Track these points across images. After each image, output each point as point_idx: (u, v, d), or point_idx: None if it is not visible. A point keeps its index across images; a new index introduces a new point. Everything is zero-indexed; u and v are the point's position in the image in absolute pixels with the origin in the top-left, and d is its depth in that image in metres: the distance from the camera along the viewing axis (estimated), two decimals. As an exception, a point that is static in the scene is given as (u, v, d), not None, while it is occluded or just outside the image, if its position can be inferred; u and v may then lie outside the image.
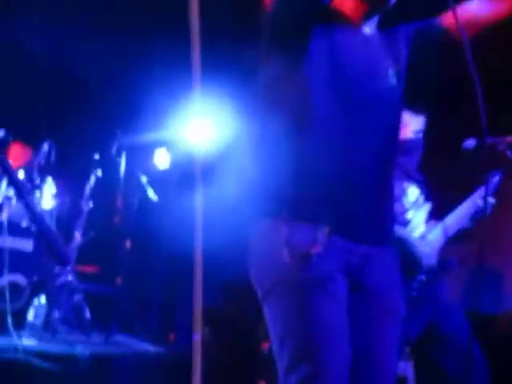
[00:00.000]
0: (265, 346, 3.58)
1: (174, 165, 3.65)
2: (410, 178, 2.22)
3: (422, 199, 2.21)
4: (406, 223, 2.12)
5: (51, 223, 3.19)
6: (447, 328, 2.08)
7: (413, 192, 2.20)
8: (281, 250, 1.06)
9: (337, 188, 1.12)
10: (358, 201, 1.13)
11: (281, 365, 1.11)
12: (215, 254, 2.73)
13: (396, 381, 1.22)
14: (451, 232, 2.17)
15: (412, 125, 2.22)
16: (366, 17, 1.22)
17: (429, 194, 2.27)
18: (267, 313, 1.13)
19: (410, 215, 2.15)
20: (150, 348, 2.85)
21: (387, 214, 1.22)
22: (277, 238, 1.08)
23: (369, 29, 1.24)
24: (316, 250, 1.04)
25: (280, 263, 1.07)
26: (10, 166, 2.90)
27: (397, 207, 2.09)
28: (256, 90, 1.23)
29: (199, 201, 1.26)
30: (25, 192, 2.90)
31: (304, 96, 1.13)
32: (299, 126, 1.13)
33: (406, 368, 2.26)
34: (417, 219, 2.15)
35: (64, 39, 3.32)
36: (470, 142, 2.16)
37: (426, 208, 2.20)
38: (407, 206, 2.17)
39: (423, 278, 2.02)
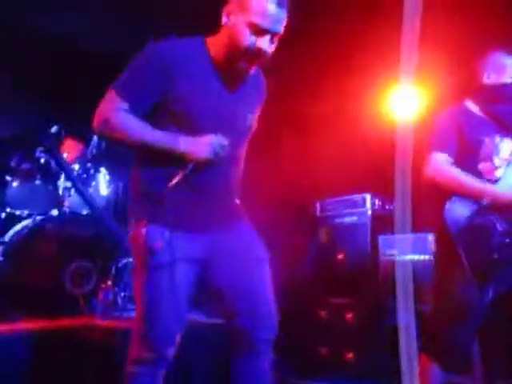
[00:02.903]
0: (322, 313, 3.65)
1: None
2: (506, 130, 1.96)
3: None
4: (494, 181, 1.91)
5: (109, 209, 3.35)
6: None
7: (507, 146, 1.94)
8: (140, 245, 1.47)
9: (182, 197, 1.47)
10: (202, 200, 1.50)
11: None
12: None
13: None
14: None
15: (510, 68, 1.96)
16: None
17: None
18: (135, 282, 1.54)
19: (499, 173, 1.91)
20: (216, 320, 2.94)
21: (232, 205, 1.59)
22: (139, 236, 1.47)
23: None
24: (158, 246, 1.43)
25: (141, 254, 1.48)
26: (64, 162, 3.05)
27: (486, 166, 1.93)
28: None
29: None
30: (80, 185, 3.04)
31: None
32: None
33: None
34: (508, 175, 1.91)
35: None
36: None
37: None
38: (498, 163, 1.92)
39: (507, 240, 1.82)
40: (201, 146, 1.41)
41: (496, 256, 1.80)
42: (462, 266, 1.80)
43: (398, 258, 3.33)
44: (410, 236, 3.20)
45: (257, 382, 1.50)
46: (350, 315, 3.51)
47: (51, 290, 2.75)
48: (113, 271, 3.05)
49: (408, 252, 3.26)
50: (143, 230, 1.45)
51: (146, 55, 1.47)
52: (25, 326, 2.33)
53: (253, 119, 1.59)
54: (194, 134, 1.43)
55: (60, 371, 2.14)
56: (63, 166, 3.02)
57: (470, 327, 1.89)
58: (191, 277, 1.49)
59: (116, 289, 3.03)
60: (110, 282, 2.87)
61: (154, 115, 1.47)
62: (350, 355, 3.43)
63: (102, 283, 2.86)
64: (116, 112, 1.44)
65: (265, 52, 1.42)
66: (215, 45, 1.48)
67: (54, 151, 3.00)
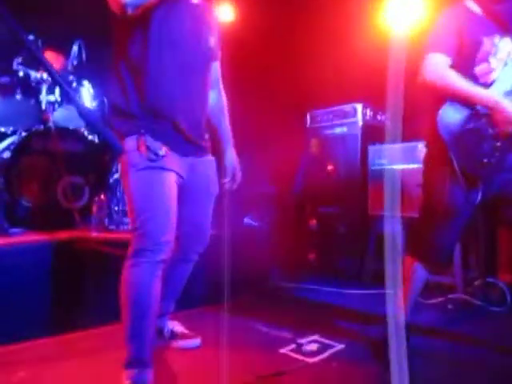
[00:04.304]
0: (312, 222, 3.77)
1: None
2: (505, 30, 1.89)
3: None
4: (489, 84, 1.87)
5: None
6: None
7: (505, 46, 1.89)
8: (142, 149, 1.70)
9: (169, 117, 1.73)
10: (183, 125, 1.76)
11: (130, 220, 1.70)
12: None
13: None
14: None
15: None
16: None
17: None
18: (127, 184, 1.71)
19: (494, 75, 1.88)
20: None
21: (203, 133, 1.89)
22: (139, 143, 1.70)
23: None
24: (163, 152, 1.70)
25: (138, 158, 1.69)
26: (51, 66, 2.90)
27: (482, 69, 1.89)
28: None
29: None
30: (73, 93, 2.90)
31: (144, 48, 1.69)
32: (140, 70, 1.70)
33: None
34: (503, 76, 1.87)
35: None
36: None
37: None
38: (494, 64, 1.88)
39: (498, 144, 1.82)
40: None
41: (486, 160, 1.80)
42: (453, 170, 1.82)
43: (386, 168, 3.37)
44: (399, 145, 3.22)
45: (182, 279, 2.03)
46: (339, 224, 3.63)
47: (45, 204, 2.78)
48: (105, 186, 3.08)
49: (397, 161, 3.30)
50: (143, 139, 1.68)
51: None
52: (22, 239, 2.39)
53: (214, 43, 1.89)
54: (176, 44, 1.72)
55: (59, 281, 2.24)
56: (51, 72, 2.89)
57: (455, 229, 1.95)
58: (175, 186, 1.75)
59: (110, 203, 3.08)
60: (102, 196, 2.90)
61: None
62: (339, 261, 3.61)
63: (95, 197, 2.89)
64: None
65: None
66: None
67: (38, 55, 2.84)
